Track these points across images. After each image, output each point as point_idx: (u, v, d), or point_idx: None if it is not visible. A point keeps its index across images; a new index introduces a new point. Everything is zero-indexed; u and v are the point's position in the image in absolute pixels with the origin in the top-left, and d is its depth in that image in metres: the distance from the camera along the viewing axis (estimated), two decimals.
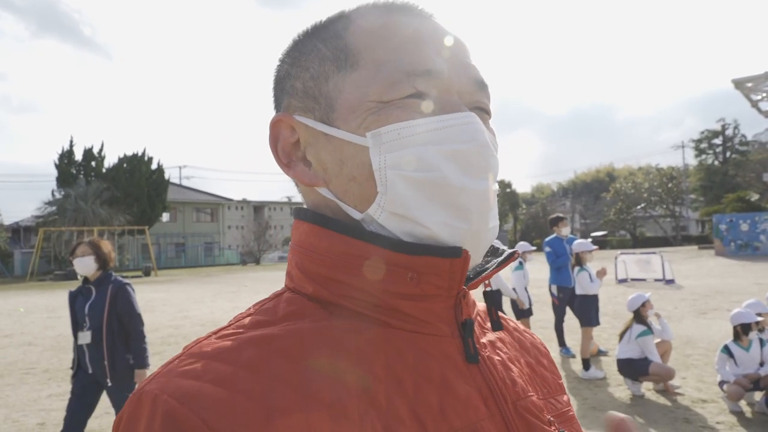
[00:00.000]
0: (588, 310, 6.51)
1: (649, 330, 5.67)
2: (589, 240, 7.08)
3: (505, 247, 0.62)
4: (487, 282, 0.62)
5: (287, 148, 0.60)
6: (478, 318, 0.64)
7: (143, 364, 3.90)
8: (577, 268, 6.64)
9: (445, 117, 0.54)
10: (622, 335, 5.85)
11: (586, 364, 6.30)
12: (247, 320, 0.55)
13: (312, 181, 0.58)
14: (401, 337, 0.54)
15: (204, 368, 0.48)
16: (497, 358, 0.59)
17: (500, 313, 0.72)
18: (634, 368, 5.58)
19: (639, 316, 5.73)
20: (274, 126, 0.60)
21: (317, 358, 0.50)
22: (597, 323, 6.56)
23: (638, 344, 5.62)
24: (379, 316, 0.54)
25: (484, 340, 0.60)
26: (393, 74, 0.54)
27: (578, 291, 6.63)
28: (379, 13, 0.58)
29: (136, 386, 0.50)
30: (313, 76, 0.58)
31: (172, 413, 0.45)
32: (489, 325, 0.66)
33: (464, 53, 0.60)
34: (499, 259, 0.59)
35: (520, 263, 7.51)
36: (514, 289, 7.27)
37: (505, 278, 7.28)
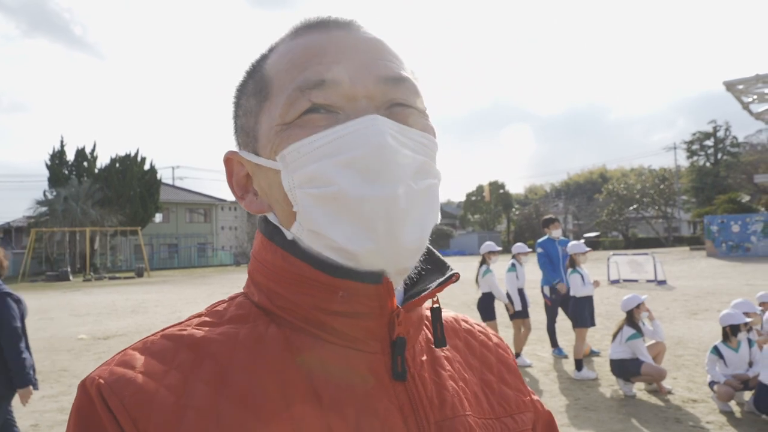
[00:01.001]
0: (582, 311, 6.54)
1: (639, 333, 5.71)
2: (582, 241, 7.06)
3: (450, 266, 0.62)
4: (434, 299, 0.63)
5: (241, 182, 0.64)
6: (427, 334, 0.64)
7: (23, 382, 3.58)
8: (570, 270, 6.68)
9: (340, 127, 0.53)
10: (614, 336, 5.90)
11: (579, 365, 6.34)
12: (196, 320, 0.60)
13: (259, 208, 0.62)
14: (331, 350, 0.56)
15: (141, 362, 0.53)
16: (431, 376, 0.60)
17: (474, 327, 0.74)
18: (626, 369, 5.62)
19: (631, 317, 5.76)
20: (227, 163, 0.64)
21: (243, 361, 0.54)
22: (592, 324, 6.59)
23: (629, 347, 5.67)
24: (312, 328, 0.57)
25: (424, 357, 0.61)
26: (291, 93, 0.56)
27: (571, 292, 6.68)
28: (289, 38, 0.61)
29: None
30: (245, 112, 0.62)
31: (100, 394, 0.51)
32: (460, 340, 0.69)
33: (375, 54, 0.58)
34: (441, 279, 0.59)
35: (513, 265, 7.50)
36: (507, 294, 7.22)
37: (500, 280, 7.26)
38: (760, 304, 6.25)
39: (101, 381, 0.51)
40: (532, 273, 8.67)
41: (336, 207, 0.52)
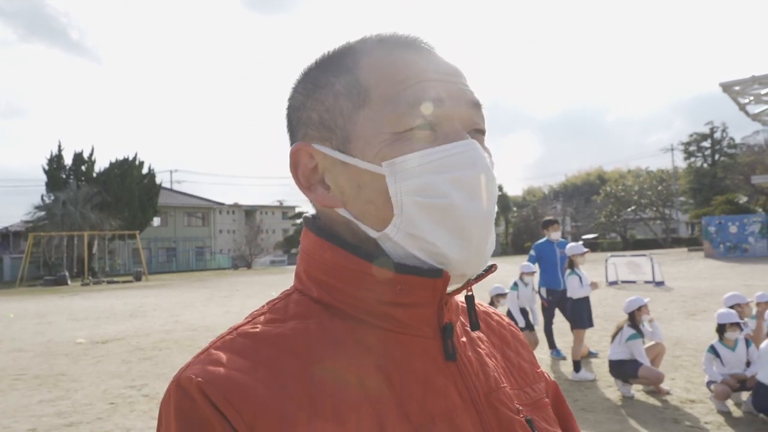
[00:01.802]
0: (580, 313, 6.55)
1: (638, 334, 5.72)
2: (581, 243, 7.06)
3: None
4: (468, 288, 0.69)
5: (307, 173, 0.66)
6: (461, 319, 0.71)
7: None
8: (568, 271, 6.69)
9: (449, 146, 0.60)
10: (614, 336, 5.91)
11: (577, 366, 6.35)
12: (261, 318, 0.64)
13: (331, 203, 0.65)
14: (391, 338, 0.62)
15: (229, 360, 0.57)
16: (474, 355, 0.67)
17: (488, 309, 0.82)
18: (624, 370, 5.63)
19: (633, 319, 5.77)
20: (295, 154, 0.67)
21: (321, 355, 0.59)
22: (590, 325, 6.58)
23: (628, 347, 5.69)
24: (373, 320, 0.62)
25: (464, 339, 0.68)
26: (400, 108, 0.60)
27: (569, 294, 6.69)
28: (384, 50, 0.64)
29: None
30: (329, 109, 0.64)
31: (202, 392, 0.53)
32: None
33: (461, 80, 0.65)
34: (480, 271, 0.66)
35: (515, 284, 7.41)
36: (509, 312, 7.16)
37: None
38: (757, 304, 6.27)
39: (200, 380, 0.54)
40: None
41: (442, 217, 0.59)
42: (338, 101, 0.64)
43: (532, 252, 7.70)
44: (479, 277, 0.65)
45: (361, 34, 0.68)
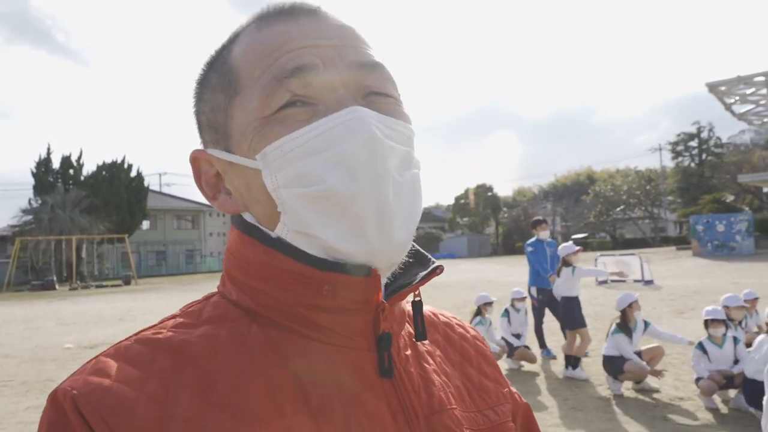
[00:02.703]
0: (573, 312, 6.55)
1: (620, 330, 5.75)
2: (570, 242, 7.10)
3: (433, 260, 0.60)
4: (416, 292, 0.61)
5: (211, 181, 0.61)
6: (409, 329, 0.63)
7: None
8: (564, 269, 6.71)
9: (324, 120, 0.51)
10: (607, 333, 5.98)
11: (575, 363, 6.31)
12: (170, 322, 0.56)
13: (234, 208, 0.59)
14: (316, 348, 0.54)
15: (117, 369, 0.50)
16: (417, 371, 0.59)
17: (450, 319, 0.74)
18: (614, 366, 5.69)
19: (625, 316, 5.81)
20: (194, 163, 0.61)
21: (228, 366, 0.51)
22: (583, 324, 6.53)
23: (614, 340, 5.72)
24: (296, 326, 0.54)
25: (408, 352, 0.60)
26: (267, 84, 0.53)
27: (561, 292, 6.70)
28: (254, 27, 0.58)
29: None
30: (212, 107, 0.59)
31: (75, 406, 0.47)
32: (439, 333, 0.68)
33: (347, 40, 0.56)
34: (424, 272, 0.58)
35: (506, 311, 7.26)
36: (503, 338, 6.98)
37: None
38: (745, 301, 6.34)
39: (75, 392, 0.48)
40: (520, 275, 8.68)
41: (326, 206, 0.51)
42: (216, 96, 0.58)
43: (530, 248, 7.69)
44: (423, 280, 0.57)
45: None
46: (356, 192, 0.50)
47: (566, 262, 6.70)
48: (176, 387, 0.49)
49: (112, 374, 0.49)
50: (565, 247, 6.80)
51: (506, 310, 7.34)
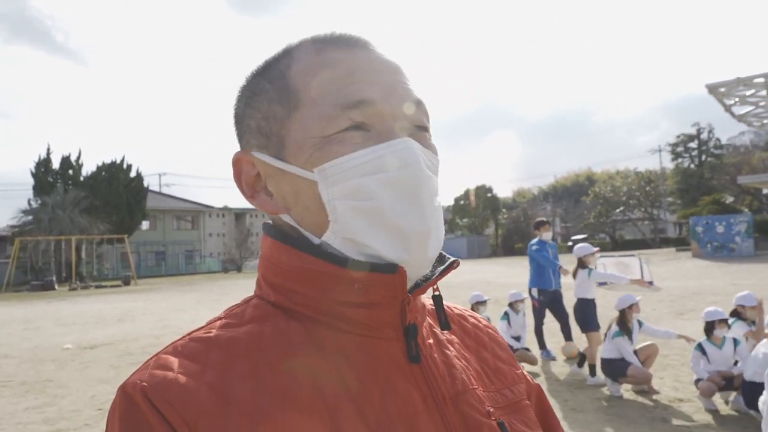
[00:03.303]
0: (585, 314, 6.49)
1: (622, 332, 5.74)
2: (587, 243, 7.03)
3: (449, 256, 0.67)
4: (435, 287, 0.68)
5: (250, 181, 0.66)
6: (429, 320, 0.70)
7: None
8: (585, 270, 6.61)
9: (379, 147, 0.59)
10: (605, 335, 5.95)
11: (592, 370, 6.22)
12: (218, 323, 0.63)
13: (274, 209, 0.65)
14: (351, 340, 0.60)
15: (177, 364, 0.56)
16: (440, 357, 0.65)
17: (463, 311, 0.80)
18: (613, 368, 5.67)
19: (623, 316, 5.79)
20: (236, 163, 0.67)
21: (274, 358, 0.58)
22: (597, 327, 6.48)
23: (614, 344, 5.71)
24: (332, 321, 0.61)
25: (431, 340, 0.66)
26: (329, 110, 0.59)
27: (576, 293, 6.66)
28: (315, 50, 0.63)
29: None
30: (264, 116, 0.64)
31: (146, 397, 0.53)
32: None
33: (397, 77, 0.64)
34: (442, 267, 0.65)
35: (506, 314, 7.29)
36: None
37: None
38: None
39: (145, 384, 0.53)
40: (521, 276, 8.66)
41: (375, 220, 0.58)
42: (272, 107, 0.63)
43: (535, 248, 7.61)
44: (442, 274, 0.64)
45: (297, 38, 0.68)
46: (403, 212, 0.58)
47: (582, 263, 6.59)
48: (231, 377, 0.55)
49: (174, 368, 0.55)
50: (582, 248, 6.67)
51: (506, 313, 7.32)
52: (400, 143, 0.60)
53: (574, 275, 6.80)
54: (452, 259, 0.66)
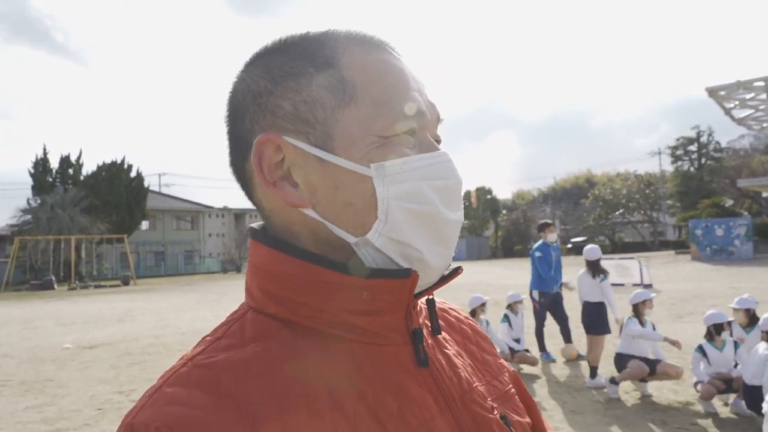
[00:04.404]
0: (591, 317, 6.49)
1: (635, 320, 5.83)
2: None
3: (453, 262, 0.68)
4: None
5: (272, 168, 0.60)
6: (426, 322, 0.69)
7: None
8: (601, 277, 6.58)
9: (431, 155, 0.61)
10: (621, 327, 5.98)
11: (593, 372, 6.23)
12: (217, 344, 0.58)
13: (299, 202, 0.59)
14: (359, 349, 0.59)
15: (189, 396, 0.51)
16: (443, 357, 0.65)
17: (443, 305, 0.80)
18: (623, 362, 5.75)
19: (636, 310, 5.88)
20: (260, 145, 0.60)
21: (288, 376, 0.55)
22: (607, 331, 6.47)
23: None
24: (338, 332, 0.59)
25: (431, 341, 0.66)
26: (393, 113, 0.59)
27: (585, 298, 6.64)
28: (366, 49, 0.62)
29: (123, 418, 0.52)
30: (306, 100, 0.59)
31: None
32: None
33: (426, 92, 0.66)
34: (446, 273, 0.65)
35: (506, 316, 7.27)
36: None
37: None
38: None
39: (158, 424, 0.48)
40: (521, 277, 8.67)
41: (426, 223, 0.59)
42: (319, 93, 0.59)
43: (538, 254, 7.58)
44: (446, 279, 0.64)
45: (324, 26, 0.65)
46: (449, 218, 0.61)
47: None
48: (249, 404, 0.52)
49: (185, 402, 0.50)
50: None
51: (506, 315, 7.32)
52: (445, 156, 0.62)
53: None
54: (456, 265, 0.66)
